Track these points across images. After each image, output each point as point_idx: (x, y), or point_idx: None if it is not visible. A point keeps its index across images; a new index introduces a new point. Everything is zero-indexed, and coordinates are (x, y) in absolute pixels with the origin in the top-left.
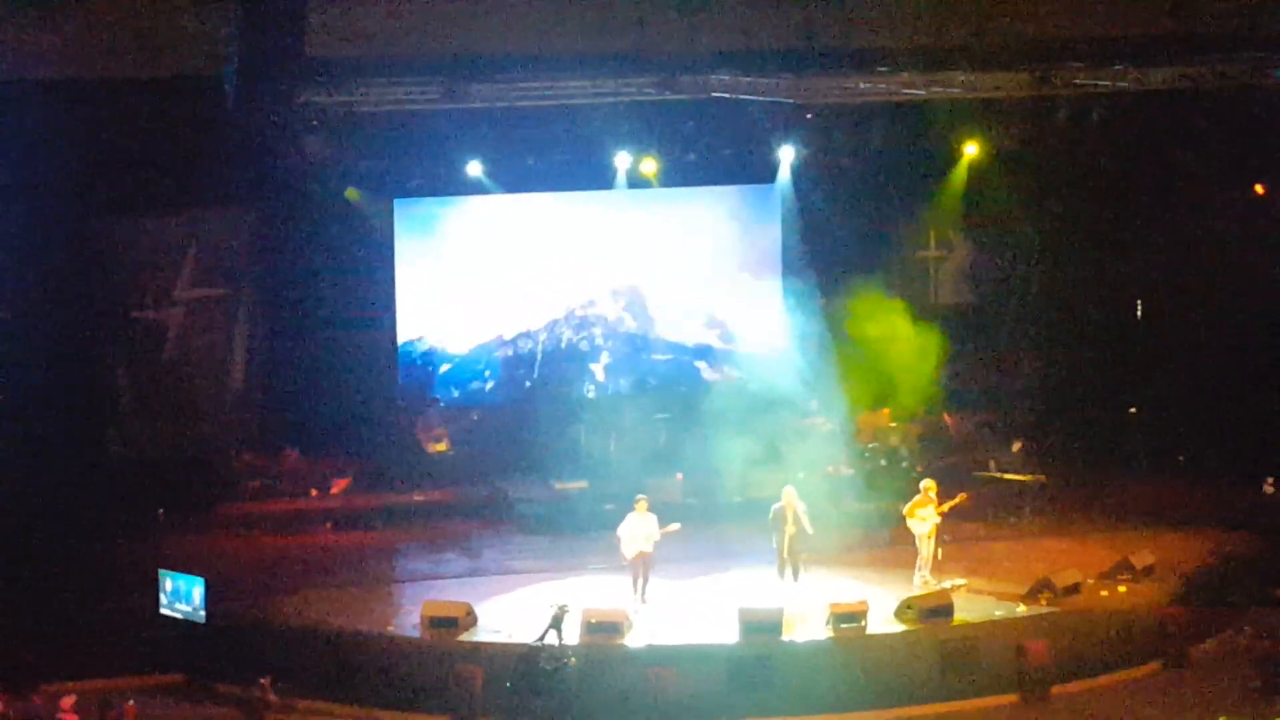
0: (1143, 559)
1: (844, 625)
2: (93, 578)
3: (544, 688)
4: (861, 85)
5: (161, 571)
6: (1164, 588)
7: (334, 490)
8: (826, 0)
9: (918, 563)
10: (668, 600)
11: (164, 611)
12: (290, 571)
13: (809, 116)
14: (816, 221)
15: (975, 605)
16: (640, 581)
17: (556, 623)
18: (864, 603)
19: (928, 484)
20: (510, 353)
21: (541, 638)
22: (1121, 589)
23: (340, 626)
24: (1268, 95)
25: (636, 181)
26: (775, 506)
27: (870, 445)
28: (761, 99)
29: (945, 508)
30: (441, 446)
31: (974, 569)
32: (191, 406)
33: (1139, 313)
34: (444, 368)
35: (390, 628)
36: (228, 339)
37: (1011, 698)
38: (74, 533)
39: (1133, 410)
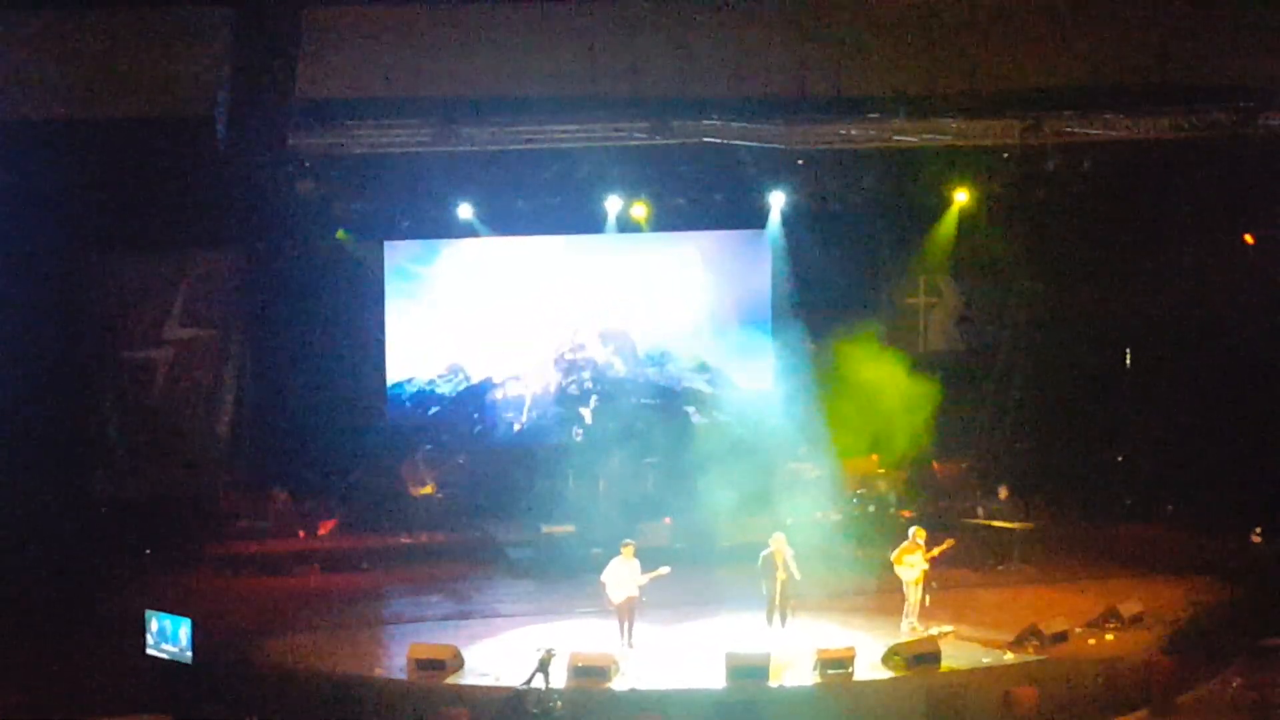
0: (1130, 607)
1: (831, 671)
2: (79, 617)
3: None
4: (853, 132)
5: (148, 611)
6: (1151, 636)
7: (321, 531)
8: (818, 47)
9: (905, 609)
10: (654, 644)
11: (150, 652)
12: (277, 612)
13: (800, 162)
14: (806, 267)
15: (962, 652)
16: (627, 625)
17: (543, 666)
18: (851, 649)
19: (916, 531)
20: (499, 395)
21: (528, 681)
22: (1109, 637)
23: (327, 668)
24: (1257, 145)
25: (627, 225)
26: (764, 553)
27: (858, 491)
28: (753, 144)
29: (934, 553)
30: (428, 489)
31: (961, 616)
32: (179, 446)
33: (1128, 360)
34: (432, 409)
35: (377, 670)
36: (216, 379)
37: None
38: (60, 572)
39: (1120, 458)
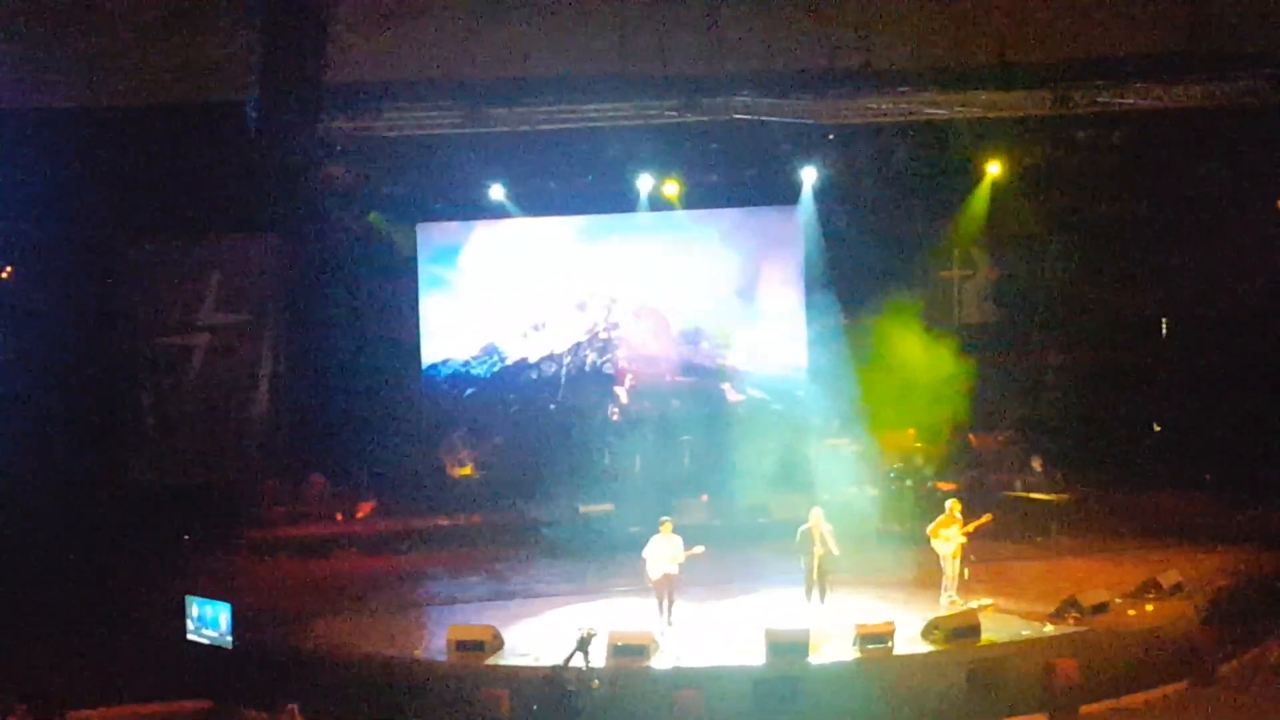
0: (1170, 578)
1: (871, 646)
2: (119, 603)
3: (570, 711)
4: (883, 105)
5: (188, 597)
6: (1191, 606)
7: (359, 515)
8: (847, 21)
9: (944, 583)
10: (694, 622)
11: (190, 637)
12: (317, 596)
13: (830, 137)
14: (839, 242)
15: (1002, 625)
16: (666, 604)
17: (583, 645)
18: (890, 623)
19: (952, 504)
20: (534, 375)
21: (567, 661)
22: (1149, 608)
23: (367, 651)
24: None
25: (659, 204)
26: (802, 528)
27: (895, 466)
28: (783, 120)
29: (970, 527)
30: (466, 470)
31: (1000, 589)
32: (216, 431)
33: (1164, 330)
34: (468, 391)
35: (417, 652)
36: (252, 364)
37: (1040, 717)
38: (100, 558)
39: (1158, 428)
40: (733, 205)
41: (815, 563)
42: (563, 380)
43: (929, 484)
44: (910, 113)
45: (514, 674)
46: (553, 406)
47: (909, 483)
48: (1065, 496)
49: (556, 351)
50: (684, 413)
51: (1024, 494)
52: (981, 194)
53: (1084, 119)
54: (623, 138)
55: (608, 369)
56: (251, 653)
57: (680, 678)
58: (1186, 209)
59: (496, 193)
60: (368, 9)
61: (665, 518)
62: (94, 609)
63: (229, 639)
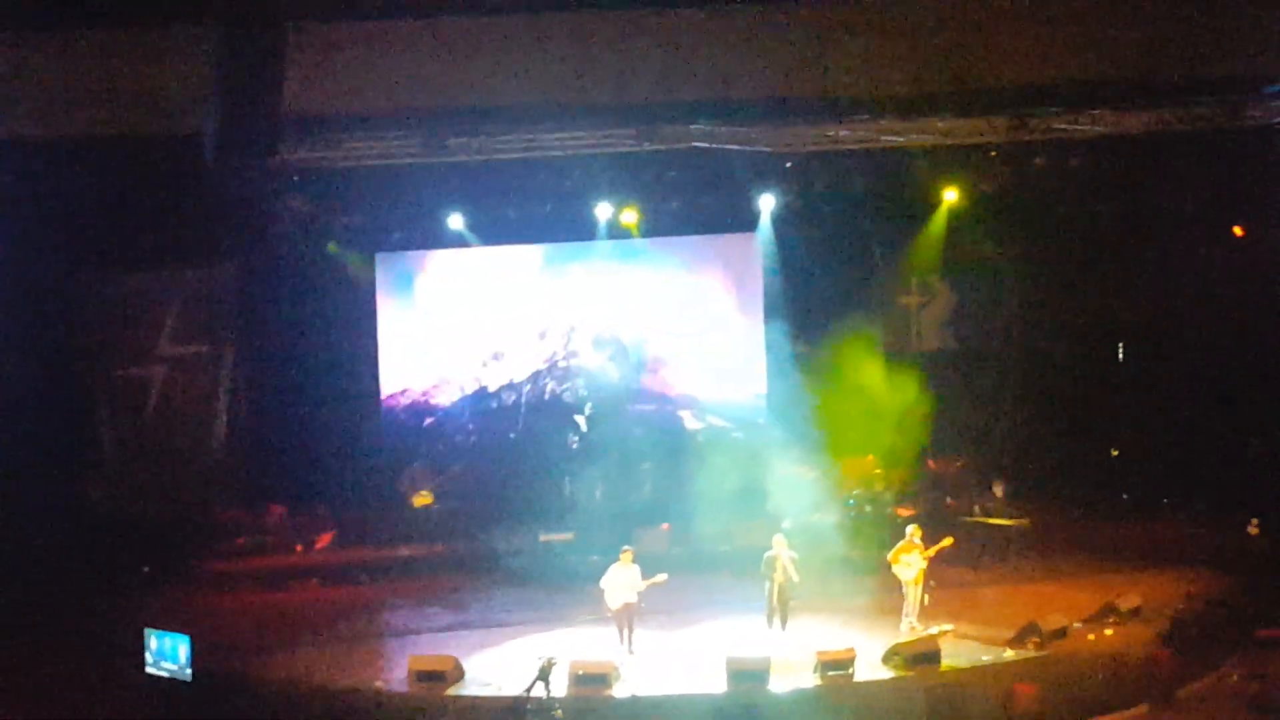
0: (1129, 602)
1: (831, 673)
2: (78, 635)
3: None
4: (840, 133)
5: (146, 629)
6: (1150, 630)
7: (318, 545)
8: (805, 49)
9: (904, 608)
10: (655, 650)
11: (149, 670)
12: (277, 627)
13: (788, 165)
14: (798, 269)
15: (962, 650)
16: (626, 632)
17: (544, 675)
18: (851, 650)
19: (913, 529)
20: (494, 405)
21: (529, 690)
22: (1108, 632)
23: (327, 682)
24: (1244, 137)
25: (617, 232)
26: (767, 555)
27: (855, 492)
28: (741, 148)
29: (931, 552)
30: (426, 500)
31: (960, 614)
32: (175, 463)
33: (1121, 355)
34: (428, 421)
35: (377, 683)
36: (210, 395)
37: None
38: (59, 590)
39: (1115, 453)
40: (691, 233)
41: (775, 589)
42: (522, 409)
43: (889, 510)
44: (868, 140)
45: (475, 703)
46: (513, 435)
47: (869, 509)
48: (1024, 522)
49: (516, 380)
50: (644, 441)
51: (983, 519)
52: (939, 221)
53: (1040, 145)
54: (581, 166)
55: (567, 397)
56: (211, 685)
57: (641, 706)
58: (1143, 235)
59: (455, 222)
60: (325, 39)
61: (626, 547)
62: (52, 641)
63: (188, 671)
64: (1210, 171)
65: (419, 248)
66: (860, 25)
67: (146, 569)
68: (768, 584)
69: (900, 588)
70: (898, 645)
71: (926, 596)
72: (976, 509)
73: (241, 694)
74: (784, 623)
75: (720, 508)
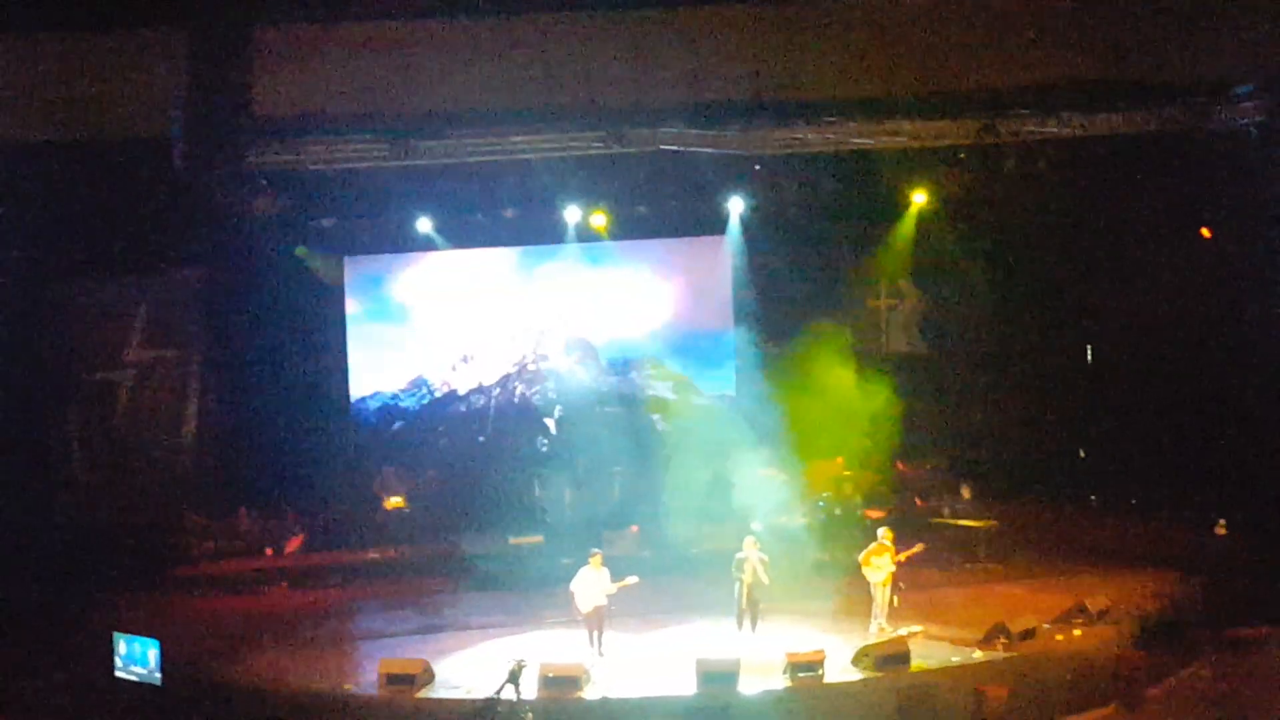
0: (1097, 602)
1: (801, 674)
2: (46, 641)
3: None
4: (809, 136)
5: (115, 634)
6: (1119, 631)
7: (288, 549)
8: (774, 52)
9: (874, 610)
10: (625, 653)
11: (119, 674)
12: (246, 632)
13: (757, 168)
14: (767, 272)
15: (931, 652)
16: (596, 634)
17: (514, 677)
18: (821, 652)
19: (885, 532)
20: (463, 408)
21: (499, 693)
22: (1076, 632)
23: (297, 686)
24: (1210, 140)
25: (586, 235)
26: (738, 556)
27: (824, 494)
28: (710, 151)
29: (903, 557)
30: (398, 502)
31: (930, 615)
32: (143, 467)
33: (1089, 357)
34: (397, 424)
35: (347, 686)
36: (179, 400)
37: None
38: (27, 597)
39: (1083, 454)
40: (660, 236)
41: (746, 591)
42: (492, 412)
43: (858, 512)
44: (836, 143)
45: (445, 706)
46: (482, 439)
47: (838, 511)
48: (993, 523)
49: (485, 384)
50: (613, 443)
51: (952, 521)
52: (908, 223)
53: (1009, 148)
54: (550, 169)
55: (537, 400)
56: (180, 689)
57: (612, 708)
58: (1111, 236)
59: (424, 225)
60: (292, 43)
61: (595, 550)
62: (21, 647)
63: (158, 676)
64: (1178, 174)
65: (388, 251)
66: (829, 28)
67: (115, 573)
68: (738, 586)
69: (869, 589)
70: (867, 647)
71: (896, 598)
72: (945, 510)
73: (211, 698)
74: (754, 624)
75: (689, 511)
